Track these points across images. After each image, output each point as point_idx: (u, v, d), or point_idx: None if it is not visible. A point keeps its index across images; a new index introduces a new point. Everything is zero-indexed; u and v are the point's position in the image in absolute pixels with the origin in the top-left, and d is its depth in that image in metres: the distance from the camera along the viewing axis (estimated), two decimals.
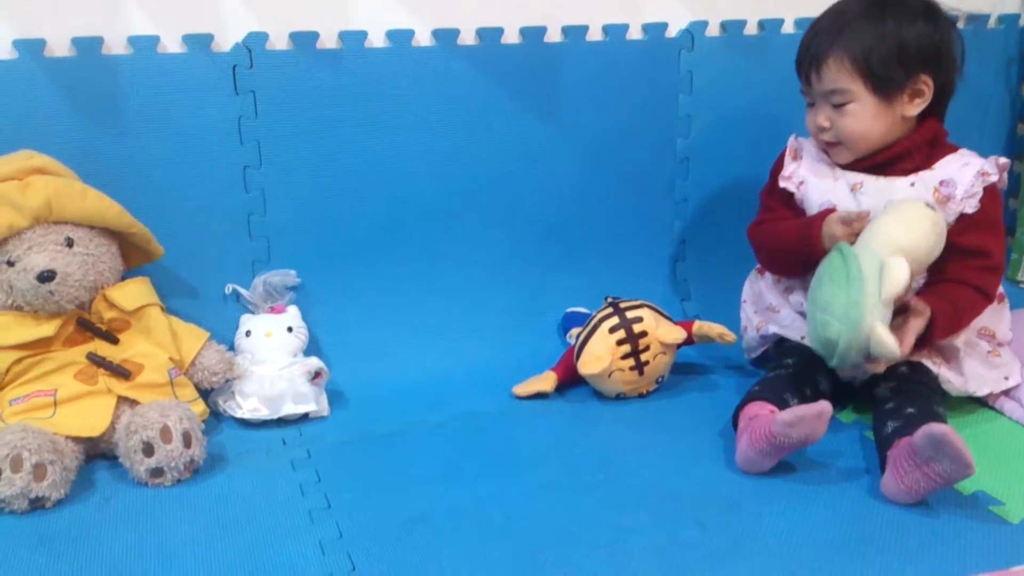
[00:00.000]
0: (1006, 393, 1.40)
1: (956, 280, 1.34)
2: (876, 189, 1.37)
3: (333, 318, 1.55)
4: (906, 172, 1.36)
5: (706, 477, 1.24)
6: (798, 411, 1.17)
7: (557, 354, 1.52)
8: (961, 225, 1.33)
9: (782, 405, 1.25)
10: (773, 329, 1.46)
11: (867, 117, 1.34)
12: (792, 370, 1.35)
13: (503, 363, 1.54)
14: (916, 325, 1.28)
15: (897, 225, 1.26)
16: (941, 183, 1.34)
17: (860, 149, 1.37)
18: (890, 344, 1.21)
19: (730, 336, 1.48)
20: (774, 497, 1.18)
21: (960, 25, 1.82)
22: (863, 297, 1.21)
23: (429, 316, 1.59)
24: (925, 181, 1.35)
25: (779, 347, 1.46)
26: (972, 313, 1.36)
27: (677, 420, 1.39)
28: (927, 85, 1.34)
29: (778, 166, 1.46)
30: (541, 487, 1.21)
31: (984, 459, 1.23)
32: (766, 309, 1.49)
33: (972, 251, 1.34)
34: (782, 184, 1.43)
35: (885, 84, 1.33)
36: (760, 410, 1.25)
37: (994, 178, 1.33)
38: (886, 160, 1.37)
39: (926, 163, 1.36)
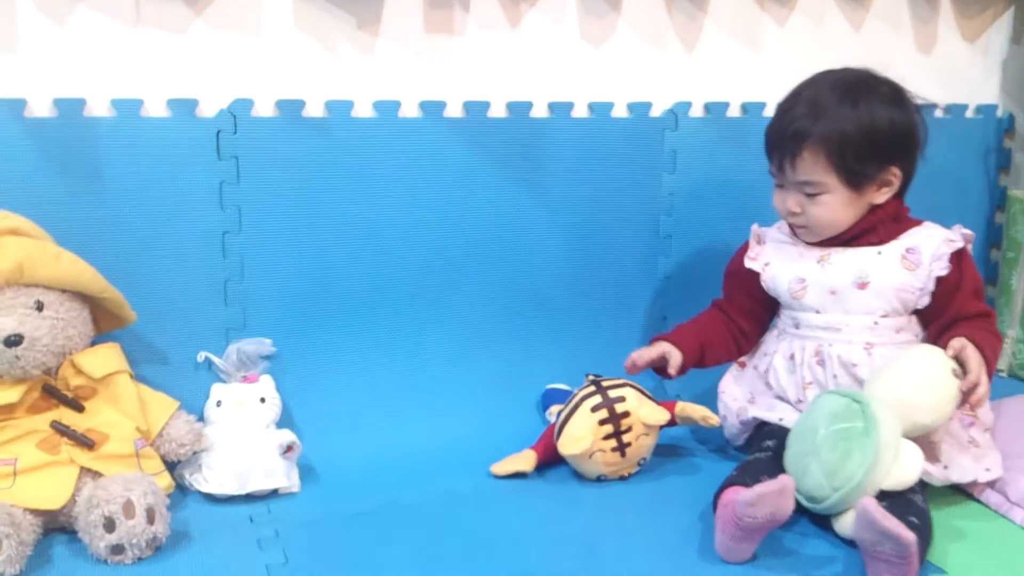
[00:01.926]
0: (991, 485, 1.38)
1: (968, 327, 1.35)
2: (843, 259, 1.40)
3: (308, 389, 1.52)
4: (871, 244, 1.40)
5: (688, 566, 1.20)
6: (758, 489, 1.15)
7: (537, 430, 1.49)
8: (946, 294, 1.37)
9: None
10: (753, 412, 1.45)
11: (838, 207, 1.38)
12: (772, 452, 1.34)
13: (481, 438, 1.51)
14: (972, 353, 1.29)
15: (922, 393, 1.27)
16: (907, 250, 1.38)
17: (827, 233, 1.41)
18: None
19: (713, 419, 1.46)
20: None
21: (939, 115, 1.85)
22: (869, 479, 1.21)
23: (407, 389, 1.57)
24: (891, 250, 1.38)
25: (759, 430, 1.45)
26: (997, 347, 1.37)
27: (659, 504, 1.36)
28: (895, 176, 1.38)
29: (739, 254, 1.50)
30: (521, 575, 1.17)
31: (978, 555, 1.22)
32: (747, 400, 1.49)
33: (971, 315, 1.37)
34: (748, 264, 1.47)
35: (858, 177, 1.36)
36: (735, 495, 1.21)
37: (959, 244, 1.37)
38: (852, 236, 1.40)
39: (891, 236, 1.40)
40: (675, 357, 1.45)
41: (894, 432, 1.23)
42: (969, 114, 1.91)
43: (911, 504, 1.22)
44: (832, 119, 1.35)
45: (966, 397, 1.28)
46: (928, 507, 1.24)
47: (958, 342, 1.30)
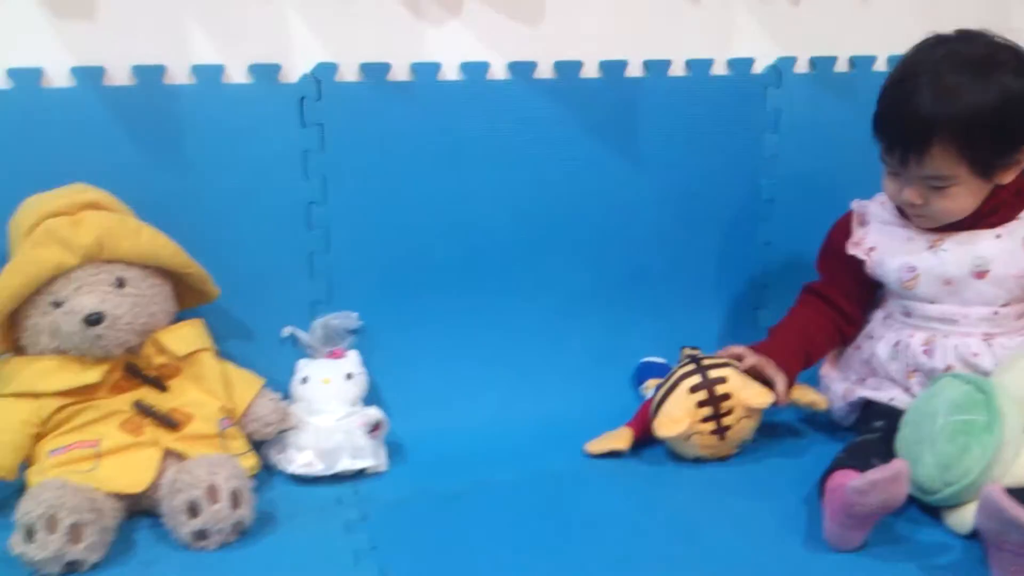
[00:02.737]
0: None
1: None
2: (959, 246, 1.31)
3: (395, 364, 1.49)
4: (991, 225, 1.31)
5: (793, 554, 1.15)
6: (870, 476, 1.09)
7: (633, 406, 1.44)
8: None
9: None
10: (860, 393, 1.39)
11: (967, 197, 1.29)
12: (880, 434, 1.28)
13: (576, 414, 1.47)
14: None
15: None
16: None
17: (949, 221, 1.32)
18: None
19: (822, 403, 1.40)
20: None
21: None
22: (986, 477, 1.14)
23: (499, 363, 1.54)
24: (1012, 232, 1.30)
25: (867, 410, 1.38)
26: None
27: (762, 487, 1.31)
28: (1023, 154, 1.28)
29: (839, 233, 1.42)
30: (617, 560, 1.13)
31: None
32: (853, 381, 1.43)
33: None
34: (851, 251, 1.39)
35: (991, 167, 1.27)
36: (844, 479, 1.16)
37: None
38: (972, 220, 1.31)
39: (1011, 215, 1.31)
40: (780, 384, 1.36)
41: (1018, 428, 1.16)
42: None
43: None
44: (963, 107, 1.23)
45: None
46: None
47: None
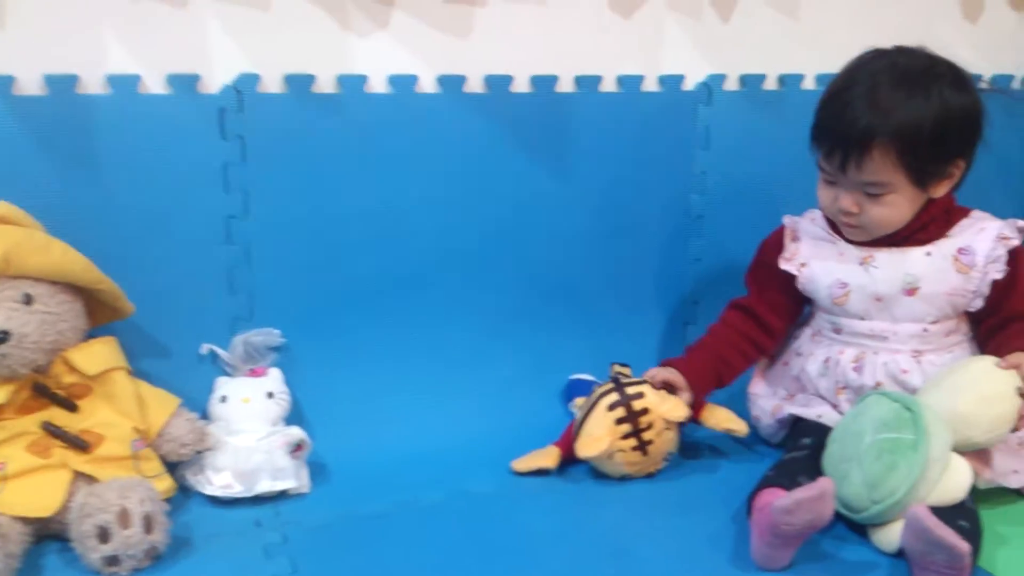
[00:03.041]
0: None
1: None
2: (889, 261, 1.32)
3: (318, 383, 1.47)
4: (920, 242, 1.32)
5: (721, 572, 1.15)
6: (796, 495, 1.10)
7: (561, 423, 1.43)
8: (1000, 293, 1.31)
9: None
10: (788, 410, 1.39)
11: (903, 206, 1.30)
12: (808, 451, 1.28)
13: (505, 432, 1.47)
14: None
15: (982, 410, 1.21)
16: (960, 251, 1.31)
17: (882, 233, 1.33)
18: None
19: (742, 430, 1.40)
20: None
21: (983, 87, 1.75)
22: (912, 495, 1.15)
23: (424, 381, 1.52)
24: (942, 250, 1.32)
25: (795, 427, 1.39)
26: None
27: (689, 505, 1.30)
28: (959, 168, 1.31)
29: (771, 247, 1.43)
30: None
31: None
32: (782, 398, 1.43)
33: None
34: (783, 266, 1.39)
35: (927, 176, 1.28)
36: (771, 498, 1.17)
37: (1016, 241, 1.31)
38: (902, 236, 1.32)
39: (940, 233, 1.32)
40: (685, 398, 1.37)
41: (944, 447, 1.17)
42: (1015, 85, 1.83)
43: (960, 506, 1.17)
44: (905, 114, 1.25)
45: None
46: (977, 508, 1.19)
47: (1016, 357, 1.23)
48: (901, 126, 1.24)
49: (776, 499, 1.12)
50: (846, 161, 1.27)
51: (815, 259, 1.37)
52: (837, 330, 1.37)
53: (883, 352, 1.33)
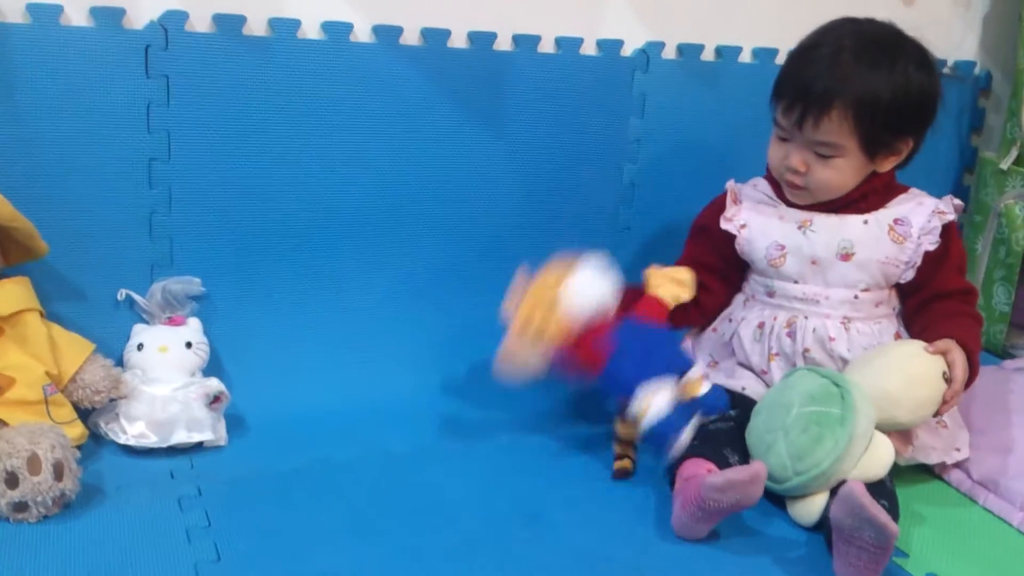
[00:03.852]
0: (956, 465, 1.36)
1: (950, 313, 1.32)
2: (827, 226, 1.34)
3: (239, 334, 1.44)
4: (859, 211, 1.34)
5: (640, 541, 1.16)
6: (729, 475, 1.11)
7: (482, 384, 1.40)
8: (930, 267, 1.33)
9: (721, 463, 1.20)
10: (712, 379, 1.38)
11: (848, 171, 1.31)
12: (734, 423, 1.29)
13: (425, 393, 1.47)
14: (959, 359, 1.26)
15: (909, 391, 1.24)
16: (896, 221, 1.34)
17: (824, 198, 1.34)
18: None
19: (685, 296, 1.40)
20: (713, 569, 1.11)
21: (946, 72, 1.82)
22: (836, 469, 1.17)
23: (348, 335, 1.50)
24: (879, 219, 1.34)
25: None
26: (979, 334, 1.35)
27: (607, 471, 1.31)
28: (907, 146, 1.33)
29: (712, 209, 1.43)
30: (460, 543, 1.12)
31: (941, 538, 1.22)
32: (707, 364, 1.44)
33: (953, 291, 1.35)
34: (723, 226, 1.40)
35: (877, 145, 1.30)
36: (697, 469, 1.18)
37: (951, 217, 1.34)
38: (842, 203, 1.34)
39: (879, 204, 1.35)
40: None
41: (870, 424, 1.20)
42: (946, 71, 1.85)
43: (881, 486, 1.19)
44: (868, 80, 1.27)
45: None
46: (895, 488, 1.22)
47: (944, 344, 1.26)
48: (863, 92, 1.26)
49: (707, 475, 1.13)
50: (804, 117, 1.28)
51: (755, 221, 1.39)
52: (771, 293, 1.38)
53: (813, 317, 1.34)
